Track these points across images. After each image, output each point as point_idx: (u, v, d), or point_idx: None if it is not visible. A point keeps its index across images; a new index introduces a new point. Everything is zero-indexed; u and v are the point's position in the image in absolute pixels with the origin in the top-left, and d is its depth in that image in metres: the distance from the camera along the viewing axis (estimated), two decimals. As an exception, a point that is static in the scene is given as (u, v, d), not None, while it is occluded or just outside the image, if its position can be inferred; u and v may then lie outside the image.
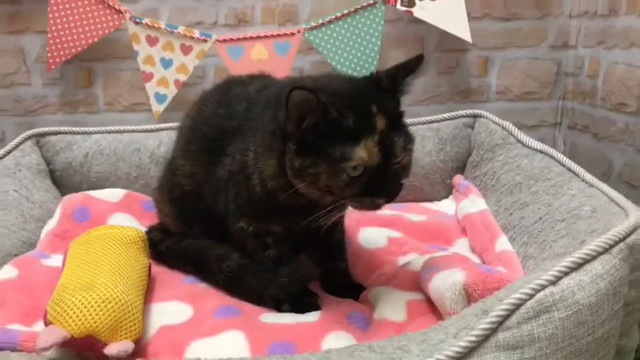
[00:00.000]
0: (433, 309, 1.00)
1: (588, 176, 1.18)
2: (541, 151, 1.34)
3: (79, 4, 1.61)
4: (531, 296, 0.73)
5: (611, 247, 0.77)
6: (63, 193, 1.51)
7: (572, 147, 1.78)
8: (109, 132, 1.59)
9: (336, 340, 0.92)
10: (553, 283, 0.74)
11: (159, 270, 1.16)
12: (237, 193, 1.04)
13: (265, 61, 1.63)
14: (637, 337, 0.90)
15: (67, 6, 1.61)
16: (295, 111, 0.87)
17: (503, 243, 1.20)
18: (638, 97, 1.46)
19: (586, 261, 0.76)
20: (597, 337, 0.74)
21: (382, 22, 1.65)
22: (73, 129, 1.57)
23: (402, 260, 1.20)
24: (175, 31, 1.64)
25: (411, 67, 0.93)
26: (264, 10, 1.73)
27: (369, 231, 1.31)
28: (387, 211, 1.45)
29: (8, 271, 1.11)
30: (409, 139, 0.92)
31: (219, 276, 1.08)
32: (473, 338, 0.72)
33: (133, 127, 1.60)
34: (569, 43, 1.78)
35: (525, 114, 1.81)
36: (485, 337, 0.73)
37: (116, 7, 1.63)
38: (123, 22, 1.64)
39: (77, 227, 1.31)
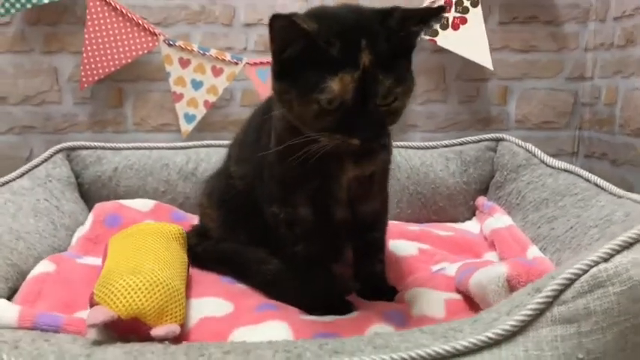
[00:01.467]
0: (472, 307, 1.01)
1: (616, 189, 1.21)
2: (565, 170, 1.38)
3: (115, 25, 1.67)
4: (585, 272, 0.74)
5: (661, 228, 0.79)
6: (90, 207, 1.52)
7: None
8: (138, 148, 1.62)
9: (379, 330, 0.92)
10: (605, 260, 0.75)
11: (196, 271, 1.16)
12: (268, 168, 1.04)
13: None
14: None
15: (104, 27, 1.67)
16: (278, 38, 0.85)
17: (534, 252, 1.21)
18: (658, 121, 1.51)
19: (637, 240, 0.77)
20: (652, 315, 0.75)
21: (406, 51, 1.71)
22: (104, 144, 1.60)
23: (434, 267, 1.22)
24: (207, 53, 1.70)
25: (425, 16, 0.87)
26: (292, 37, 1.79)
27: (400, 242, 1.32)
28: (414, 226, 1.47)
29: (46, 265, 1.12)
30: (401, 83, 0.85)
31: (259, 278, 1.09)
32: (528, 312, 0.73)
33: (162, 144, 1.63)
34: (585, 74, 1.85)
35: (543, 142, 1.85)
36: (541, 312, 0.73)
37: (150, 29, 1.69)
38: (157, 44, 1.70)
39: (109, 232, 1.32)
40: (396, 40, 0.85)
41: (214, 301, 1.03)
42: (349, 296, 1.07)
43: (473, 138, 1.63)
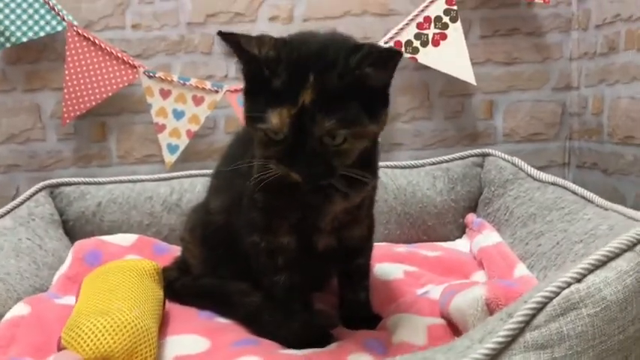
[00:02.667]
0: (455, 332, 0.98)
1: (602, 201, 1.18)
2: (553, 183, 1.35)
3: (95, 59, 1.67)
4: (557, 294, 0.71)
5: (634, 245, 0.76)
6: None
7: (582, 185, 1.78)
8: (121, 182, 1.60)
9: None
10: (578, 280, 0.72)
11: (173, 306, 1.13)
12: (249, 196, 1.01)
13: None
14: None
15: (83, 62, 1.67)
16: (236, 54, 0.84)
17: (521, 270, 1.18)
18: (645, 128, 1.49)
19: (610, 258, 0.74)
20: (629, 335, 0.71)
21: (388, 69, 1.69)
22: (86, 179, 1.58)
23: (420, 291, 1.18)
24: (187, 83, 1.69)
25: (376, 59, 0.81)
26: (273, 63, 1.79)
27: (384, 265, 1.29)
28: (401, 248, 1.44)
29: (20, 308, 1.09)
30: (346, 126, 0.81)
31: (241, 310, 1.06)
32: (500, 339, 0.70)
33: (145, 177, 1.61)
34: (572, 84, 1.82)
35: (533, 155, 1.83)
36: (513, 338, 0.70)
37: (130, 61, 1.69)
38: (137, 76, 1.69)
39: (89, 270, 1.29)
40: (351, 79, 0.81)
41: (190, 338, 1.00)
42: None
43: (459, 154, 1.60)
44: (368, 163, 0.96)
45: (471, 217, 1.54)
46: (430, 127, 1.83)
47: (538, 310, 0.71)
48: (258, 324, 1.03)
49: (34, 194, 1.52)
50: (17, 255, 1.30)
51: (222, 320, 1.08)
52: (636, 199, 1.53)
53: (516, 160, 1.49)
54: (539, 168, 1.67)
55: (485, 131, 1.84)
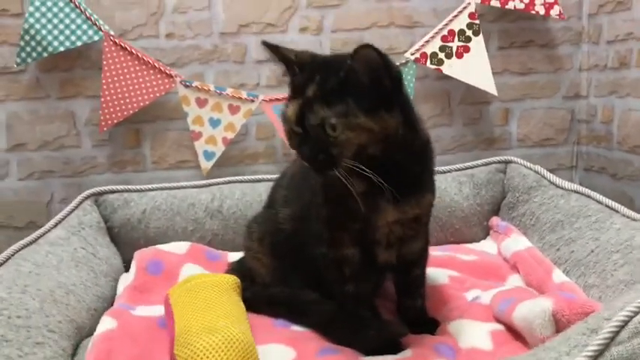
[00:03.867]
0: (517, 338, 1.08)
1: (629, 212, 1.30)
2: (576, 192, 1.46)
3: (132, 69, 1.71)
4: (636, 313, 0.83)
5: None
6: (121, 250, 1.56)
7: (590, 188, 1.91)
8: (163, 188, 1.66)
9: (437, 367, 1.00)
10: (653, 300, 0.85)
11: (248, 316, 1.21)
12: (315, 209, 1.10)
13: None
14: None
15: (120, 71, 1.70)
16: (278, 58, 1.03)
17: (560, 276, 1.29)
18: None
19: (678, 278, 0.87)
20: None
21: (413, 80, 1.79)
22: (129, 187, 1.64)
23: (468, 295, 1.29)
24: (224, 92, 1.75)
25: (359, 59, 0.92)
26: (303, 71, 1.85)
27: (430, 270, 1.39)
28: (439, 252, 1.55)
29: (108, 322, 1.15)
30: (340, 116, 0.92)
31: (317, 318, 1.14)
32: (590, 353, 0.81)
33: (186, 183, 1.67)
34: (581, 93, 1.96)
35: (544, 159, 1.96)
36: (601, 352, 0.81)
37: (167, 71, 1.73)
38: (173, 85, 1.74)
39: (153, 279, 1.37)
40: (345, 75, 0.94)
41: (276, 347, 1.08)
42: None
43: (482, 161, 1.72)
44: (418, 179, 1.08)
45: (495, 220, 1.65)
46: (450, 132, 1.94)
47: (621, 327, 0.83)
48: (335, 332, 1.11)
49: (80, 203, 1.55)
50: (76, 265, 1.34)
51: (297, 328, 1.16)
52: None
53: (538, 167, 1.60)
54: (550, 171, 1.80)
55: (500, 136, 1.96)
